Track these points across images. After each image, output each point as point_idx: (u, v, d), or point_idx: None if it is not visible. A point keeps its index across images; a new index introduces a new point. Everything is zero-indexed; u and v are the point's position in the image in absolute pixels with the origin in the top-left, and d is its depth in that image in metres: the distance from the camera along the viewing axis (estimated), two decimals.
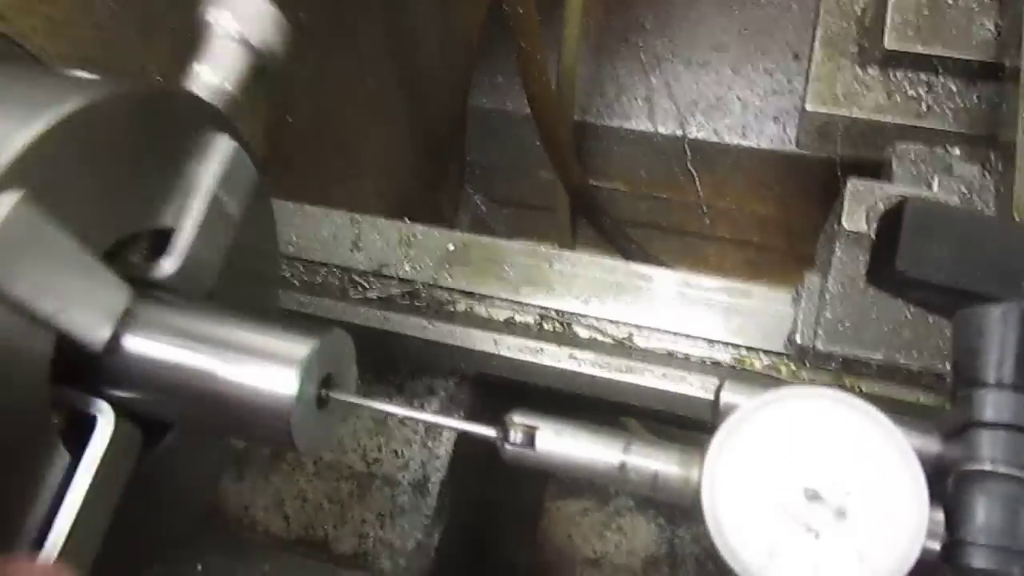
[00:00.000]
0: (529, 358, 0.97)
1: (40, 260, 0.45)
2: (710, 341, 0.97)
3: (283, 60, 0.64)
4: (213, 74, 0.60)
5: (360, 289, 1.05)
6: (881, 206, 0.92)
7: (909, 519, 0.52)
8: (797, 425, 0.55)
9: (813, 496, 0.53)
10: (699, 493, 0.54)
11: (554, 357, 0.97)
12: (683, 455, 0.57)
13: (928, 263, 0.56)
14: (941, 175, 0.98)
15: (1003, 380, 0.55)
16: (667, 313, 0.99)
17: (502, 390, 1.08)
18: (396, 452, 1.12)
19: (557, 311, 1.02)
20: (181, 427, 0.55)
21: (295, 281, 1.07)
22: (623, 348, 0.99)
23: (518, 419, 0.57)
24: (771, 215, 1.80)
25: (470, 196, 1.94)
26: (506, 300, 1.03)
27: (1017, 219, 0.89)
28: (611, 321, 1.00)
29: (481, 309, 1.04)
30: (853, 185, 0.94)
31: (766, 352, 0.96)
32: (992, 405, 0.55)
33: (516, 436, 0.56)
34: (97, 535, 0.50)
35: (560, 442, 0.56)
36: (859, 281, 0.91)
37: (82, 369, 0.52)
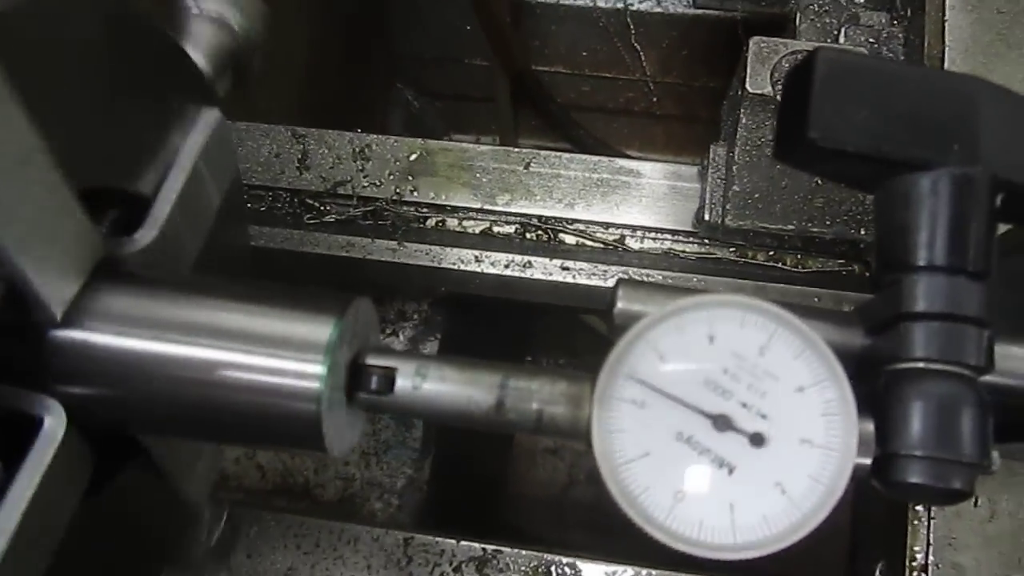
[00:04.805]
0: (517, 273, 0.88)
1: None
2: (711, 236, 0.90)
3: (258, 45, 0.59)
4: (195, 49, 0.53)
5: (315, 213, 0.93)
6: (786, 64, 0.84)
7: (836, 440, 0.44)
8: (699, 341, 0.46)
9: (724, 424, 0.45)
10: (590, 433, 0.44)
11: (545, 270, 0.88)
12: (571, 387, 0.47)
13: (844, 128, 0.46)
14: (848, 26, 0.92)
15: (935, 261, 0.46)
16: (660, 210, 0.91)
17: (479, 307, 1.00)
18: None
19: (540, 218, 0.92)
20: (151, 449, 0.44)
21: None
22: (616, 253, 0.91)
23: (373, 360, 0.45)
24: (720, 88, 1.72)
25: (400, 92, 1.78)
26: (481, 210, 0.93)
27: (929, 66, 0.84)
28: (601, 224, 0.91)
29: (454, 222, 0.93)
30: (755, 44, 0.85)
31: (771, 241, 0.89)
32: (924, 292, 0.46)
33: (373, 382, 0.44)
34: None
35: (424, 384, 0.45)
36: (766, 148, 0.84)
37: (17, 357, 0.40)
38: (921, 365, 0.46)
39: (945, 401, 0.45)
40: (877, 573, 0.81)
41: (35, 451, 0.39)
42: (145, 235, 0.43)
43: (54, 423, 0.40)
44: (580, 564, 0.83)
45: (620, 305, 0.48)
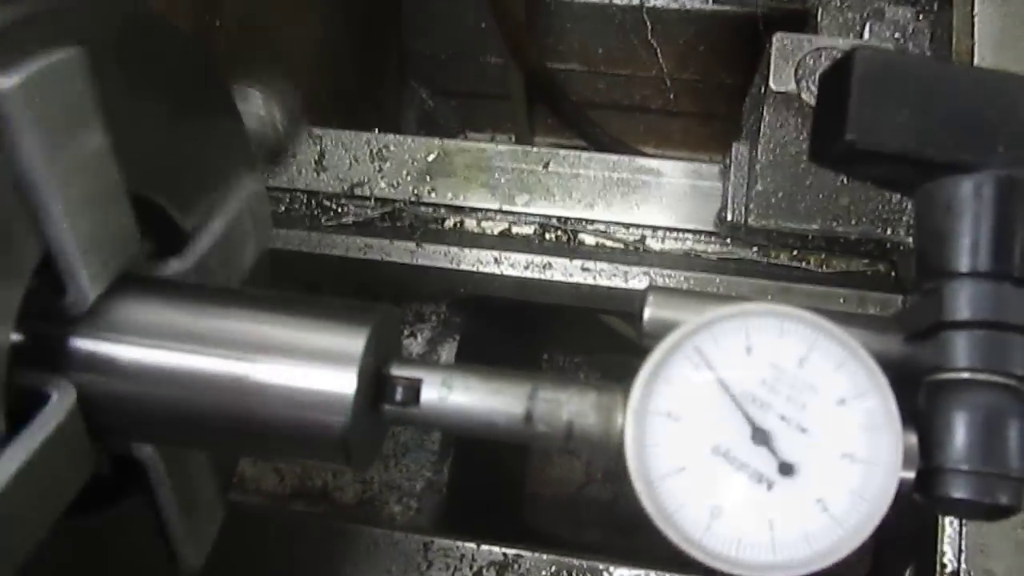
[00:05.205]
0: (537, 275, 0.87)
1: (66, 137, 0.36)
2: (733, 236, 0.88)
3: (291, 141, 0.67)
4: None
5: (332, 214, 0.92)
6: (811, 61, 0.83)
7: (880, 454, 0.42)
8: (736, 351, 0.44)
9: (762, 438, 0.43)
10: (622, 446, 0.43)
11: (565, 271, 0.87)
12: (602, 397, 0.45)
13: (884, 129, 0.44)
14: (872, 21, 0.89)
15: (979, 268, 0.44)
16: (681, 209, 0.90)
17: (496, 306, 0.99)
18: None
19: (559, 218, 0.91)
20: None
21: None
22: (637, 254, 0.90)
23: (398, 371, 0.44)
24: (738, 84, 1.70)
25: (414, 90, 1.77)
26: (500, 211, 0.92)
27: (957, 62, 0.82)
28: (621, 224, 0.90)
29: (472, 223, 0.93)
30: (779, 40, 0.84)
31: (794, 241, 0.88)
32: (968, 300, 0.44)
33: (398, 393, 0.43)
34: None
35: (450, 396, 0.44)
36: (790, 147, 0.82)
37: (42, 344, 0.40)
38: (966, 375, 0.44)
39: (991, 413, 0.43)
40: None
41: (39, 419, 0.37)
42: (181, 264, 0.44)
43: (63, 399, 0.38)
44: (601, 568, 0.82)
45: (650, 313, 0.47)
